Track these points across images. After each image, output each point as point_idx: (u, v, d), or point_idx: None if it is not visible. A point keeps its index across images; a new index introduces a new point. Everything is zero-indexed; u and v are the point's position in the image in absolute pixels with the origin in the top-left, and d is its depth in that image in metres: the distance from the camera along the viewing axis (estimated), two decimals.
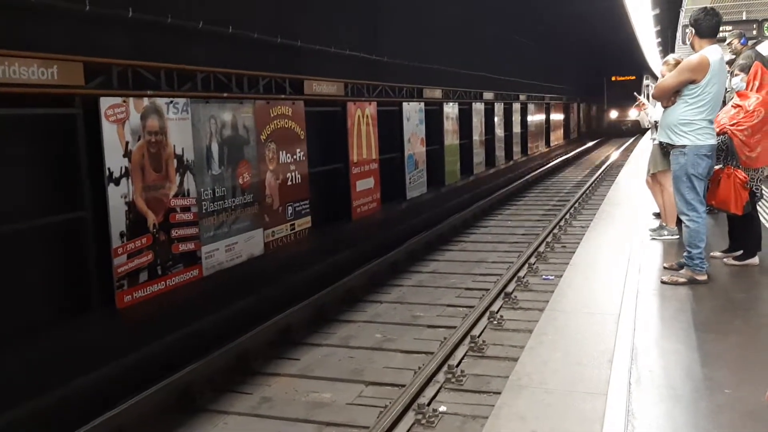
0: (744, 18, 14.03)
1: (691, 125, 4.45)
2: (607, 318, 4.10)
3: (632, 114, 32.94)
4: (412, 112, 12.23)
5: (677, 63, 5.01)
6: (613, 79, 37.91)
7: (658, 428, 2.80)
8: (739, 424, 2.76)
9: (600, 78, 38.44)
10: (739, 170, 4.77)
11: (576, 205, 13.15)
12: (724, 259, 5.18)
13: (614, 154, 26.90)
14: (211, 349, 5.40)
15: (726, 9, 13.30)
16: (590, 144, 32.52)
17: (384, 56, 11.32)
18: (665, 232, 6.15)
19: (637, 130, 32.97)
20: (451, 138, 14.49)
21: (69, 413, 4.47)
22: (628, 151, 25.68)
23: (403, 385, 4.83)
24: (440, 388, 4.87)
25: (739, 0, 13.38)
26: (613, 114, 38.71)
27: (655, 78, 39.78)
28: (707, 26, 4.52)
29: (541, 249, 9.24)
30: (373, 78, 10.90)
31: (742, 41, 7.42)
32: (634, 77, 36.12)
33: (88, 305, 5.55)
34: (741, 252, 5.13)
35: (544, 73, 25.84)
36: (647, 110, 6.98)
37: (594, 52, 33.93)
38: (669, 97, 4.58)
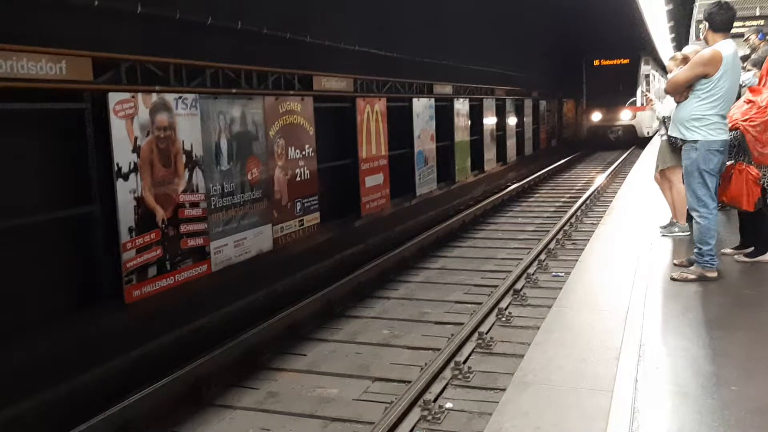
0: (757, 14, 13.91)
1: (703, 120, 4.40)
2: (614, 315, 4.08)
3: (625, 116, 24.47)
4: (422, 108, 12.19)
5: (685, 58, 4.96)
6: (597, 63, 25.38)
7: (663, 425, 2.77)
8: (745, 421, 2.73)
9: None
10: (751, 166, 4.72)
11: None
12: (735, 256, 5.13)
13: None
14: (219, 344, 5.40)
15: (739, 4, 13.20)
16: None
17: (394, 52, 11.28)
18: (676, 229, 6.11)
19: (632, 140, 24.43)
20: (461, 134, 14.45)
21: (73, 407, 4.48)
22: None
23: (410, 381, 4.81)
24: (447, 385, 4.86)
25: None
26: (596, 116, 25.24)
27: (658, 62, 29.88)
28: (721, 20, 4.47)
29: (551, 245, 9.19)
30: (383, 74, 10.87)
31: (759, 36, 7.31)
32: (627, 60, 24.61)
33: (96, 300, 5.57)
34: (752, 249, 5.08)
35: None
36: (654, 106, 6.86)
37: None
38: (681, 91, 4.54)
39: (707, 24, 4.51)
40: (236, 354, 5.44)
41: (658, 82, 27.23)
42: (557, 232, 9.97)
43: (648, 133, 23.64)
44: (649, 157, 11.92)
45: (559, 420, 2.83)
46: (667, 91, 4.79)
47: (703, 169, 4.42)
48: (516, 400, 3.05)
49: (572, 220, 11.21)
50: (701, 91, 4.39)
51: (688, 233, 5.91)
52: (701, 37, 4.93)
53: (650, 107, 7.25)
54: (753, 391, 2.96)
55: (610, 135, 25.10)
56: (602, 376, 3.22)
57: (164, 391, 4.70)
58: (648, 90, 23.22)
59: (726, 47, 4.38)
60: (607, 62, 25.14)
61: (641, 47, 25.53)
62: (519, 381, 3.25)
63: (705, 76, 4.37)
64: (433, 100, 12.63)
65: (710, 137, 4.39)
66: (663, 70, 33.70)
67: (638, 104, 23.93)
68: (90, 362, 4.91)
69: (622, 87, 24.02)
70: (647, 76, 24.60)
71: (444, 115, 13.38)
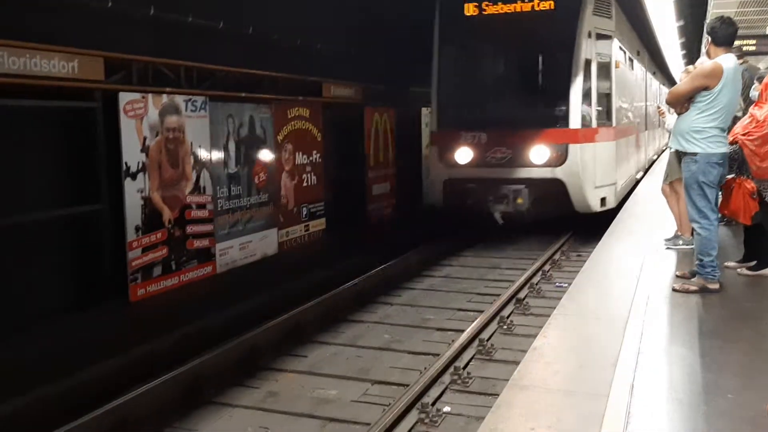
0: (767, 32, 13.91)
1: (703, 133, 4.43)
2: (614, 323, 4.09)
3: (537, 156, 8.78)
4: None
5: None
6: (472, 11, 9.00)
7: (656, 430, 2.78)
8: (738, 429, 2.74)
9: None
10: (748, 180, 4.73)
11: None
12: (738, 269, 5.14)
13: None
14: (221, 344, 5.44)
15: (749, 23, 13.20)
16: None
17: (403, 62, 11.35)
18: (680, 242, 6.10)
19: (559, 216, 9.50)
20: None
21: (74, 403, 4.51)
22: None
23: (409, 385, 4.83)
24: (445, 389, 4.87)
25: (764, 14, 13.27)
26: (463, 155, 8.93)
27: (638, 26, 13.77)
28: (723, 35, 4.52)
29: (556, 256, 9.19)
30: (392, 83, 10.93)
31: None
32: (551, 4, 8.61)
33: (101, 297, 5.63)
34: (755, 262, 5.09)
35: None
36: (665, 118, 6.76)
37: None
38: (682, 103, 4.57)
39: (710, 38, 4.57)
40: (237, 354, 5.47)
41: (649, 81, 15.27)
42: None
43: (604, 202, 9.47)
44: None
45: (554, 422, 2.85)
46: (668, 102, 4.83)
47: (702, 182, 4.44)
48: (511, 402, 3.08)
49: None
50: (702, 103, 4.43)
51: (693, 246, 5.91)
52: (704, 49, 4.98)
53: (662, 117, 7.00)
54: (748, 400, 2.96)
55: (494, 208, 9.26)
56: (599, 381, 3.23)
57: (164, 388, 4.73)
58: (609, 87, 9.68)
59: (727, 61, 4.42)
60: (499, 9, 9.27)
61: None
62: (515, 384, 3.27)
63: (706, 89, 4.40)
64: None
65: (710, 150, 4.42)
66: (651, 50, 17.78)
67: (577, 124, 8.94)
68: (92, 359, 4.95)
69: (538, 77, 9.58)
70: (602, 54, 9.41)
71: None
